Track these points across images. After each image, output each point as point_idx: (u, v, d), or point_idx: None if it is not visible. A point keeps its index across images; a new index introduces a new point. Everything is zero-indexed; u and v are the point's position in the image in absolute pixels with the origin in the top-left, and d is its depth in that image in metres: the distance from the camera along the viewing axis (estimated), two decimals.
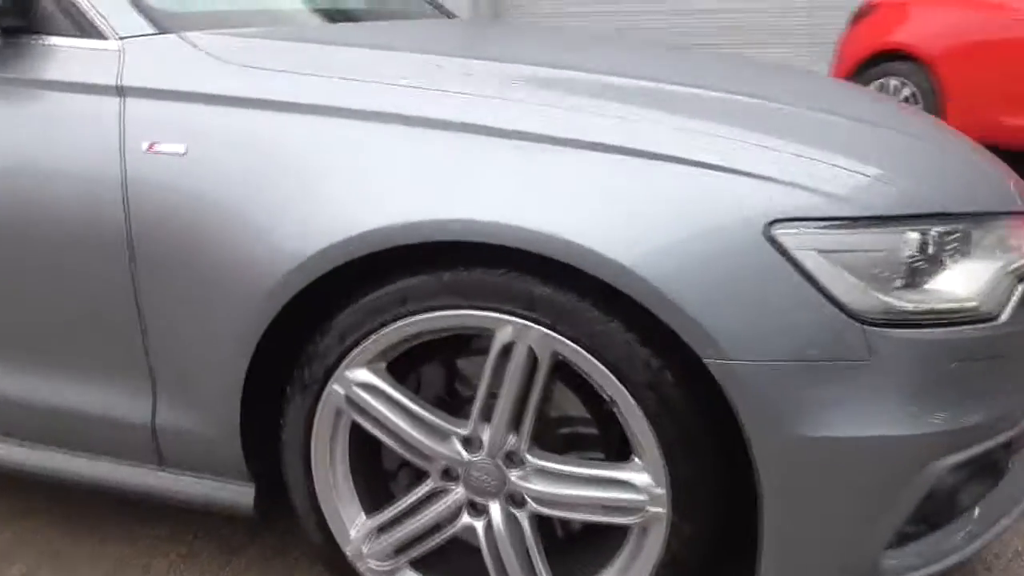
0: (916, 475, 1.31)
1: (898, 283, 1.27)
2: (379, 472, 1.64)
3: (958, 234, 1.32)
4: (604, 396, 1.35)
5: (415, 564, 1.56)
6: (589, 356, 1.31)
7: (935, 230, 1.30)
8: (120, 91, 1.47)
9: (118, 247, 1.48)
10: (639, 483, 1.36)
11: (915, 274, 1.28)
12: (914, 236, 1.28)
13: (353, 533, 1.53)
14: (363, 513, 1.54)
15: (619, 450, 1.47)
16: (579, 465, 1.42)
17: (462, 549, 1.63)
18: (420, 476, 1.59)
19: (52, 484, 1.78)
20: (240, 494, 1.61)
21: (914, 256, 1.28)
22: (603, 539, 1.56)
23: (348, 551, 1.54)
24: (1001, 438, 1.40)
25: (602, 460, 1.45)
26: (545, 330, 1.31)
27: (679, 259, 1.24)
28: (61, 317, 1.56)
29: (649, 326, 1.30)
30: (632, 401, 1.31)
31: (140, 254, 1.47)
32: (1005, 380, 1.38)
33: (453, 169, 1.31)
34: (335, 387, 1.44)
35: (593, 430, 1.51)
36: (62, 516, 1.97)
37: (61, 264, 1.52)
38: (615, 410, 1.36)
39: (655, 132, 1.31)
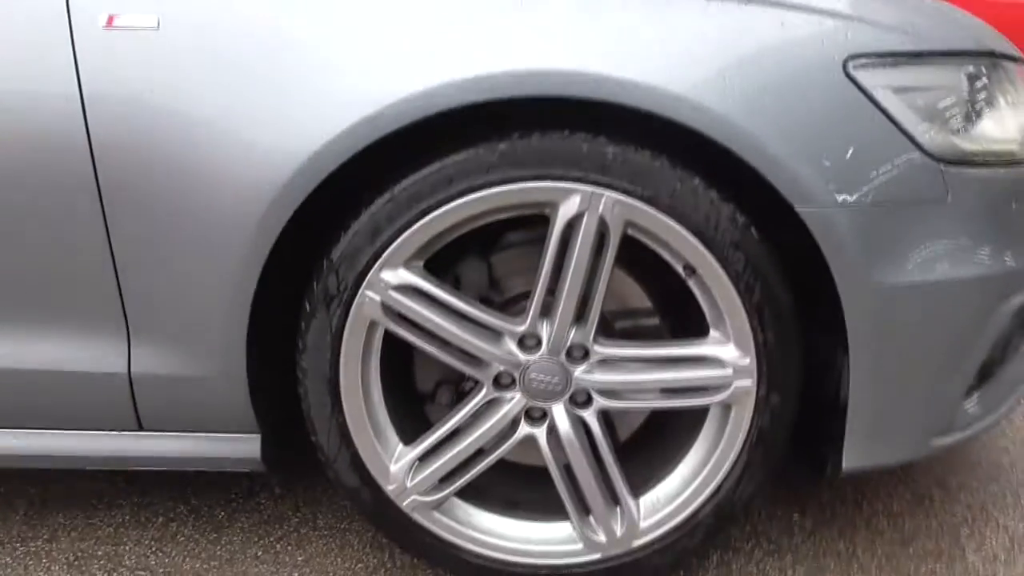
0: (991, 316, 1.29)
1: (957, 123, 1.24)
2: (411, 396, 1.45)
3: (993, 75, 1.31)
4: (678, 268, 1.24)
5: (462, 494, 1.38)
6: (669, 220, 1.19)
7: (984, 67, 1.28)
8: None
9: (75, 159, 1.19)
10: (724, 356, 1.25)
11: (971, 113, 1.26)
12: (969, 72, 1.26)
13: (394, 467, 1.33)
14: (401, 443, 1.34)
15: (680, 333, 1.37)
16: (653, 347, 1.29)
17: (505, 474, 1.48)
18: (461, 395, 1.42)
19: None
20: (243, 446, 1.37)
21: (971, 92, 1.26)
22: (665, 438, 1.46)
23: (390, 488, 1.33)
24: None
25: (671, 340, 1.34)
26: (619, 195, 1.18)
27: (768, 104, 1.14)
28: (8, 256, 1.25)
29: (728, 182, 1.20)
30: (717, 265, 1.20)
31: (104, 165, 1.20)
32: None
33: (512, 15, 1.14)
34: (368, 293, 1.23)
35: (650, 318, 1.41)
36: None
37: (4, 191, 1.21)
38: (691, 282, 1.25)
39: None
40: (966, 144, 1.24)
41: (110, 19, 1.17)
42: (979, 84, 1.27)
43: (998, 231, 1.28)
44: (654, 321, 1.41)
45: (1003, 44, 1.36)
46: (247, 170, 1.18)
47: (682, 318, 1.40)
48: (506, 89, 1.13)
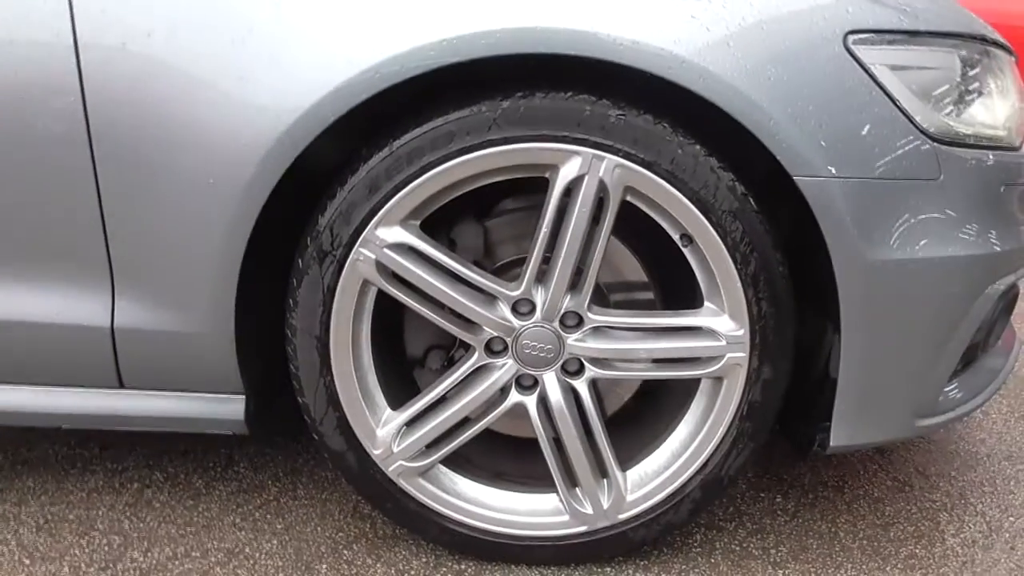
0: (978, 297, 1.30)
1: (951, 105, 1.26)
2: (401, 361, 1.43)
3: (985, 61, 1.33)
4: (675, 237, 1.24)
5: (448, 462, 1.36)
6: (668, 186, 1.19)
7: (976, 53, 1.30)
8: None
9: (68, 107, 1.16)
10: (718, 327, 1.25)
11: (964, 96, 1.28)
12: (963, 55, 1.28)
13: (381, 431, 1.31)
14: (389, 408, 1.32)
15: (675, 307, 1.37)
16: (647, 316, 1.29)
17: (492, 445, 1.47)
18: (451, 362, 1.41)
19: None
20: (227, 407, 1.34)
21: (964, 76, 1.28)
22: (654, 411, 1.45)
23: (376, 452, 1.31)
24: None
25: (664, 311, 1.33)
26: (620, 159, 1.18)
27: (772, 74, 1.15)
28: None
29: (726, 150, 1.20)
30: (714, 233, 1.20)
31: (96, 113, 1.17)
32: None
33: None
34: (363, 251, 1.21)
35: (645, 292, 1.41)
36: None
37: None
38: (687, 251, 1.25)
39: None
40: (959, 126, 1.26)
41: None
42: (972, 69, 1.29)
43: (986, 213, 1.30)
44: (648, 295, 1.41)
45: (993, 33, 1.39)
46: (241, 124, 1.16)
47: (677, 292, 1.41)
48: (510, 46, 1.12)
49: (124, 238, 1.23)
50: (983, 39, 1.32)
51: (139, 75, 1.16)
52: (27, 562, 1.34)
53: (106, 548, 1.38)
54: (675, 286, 1.42)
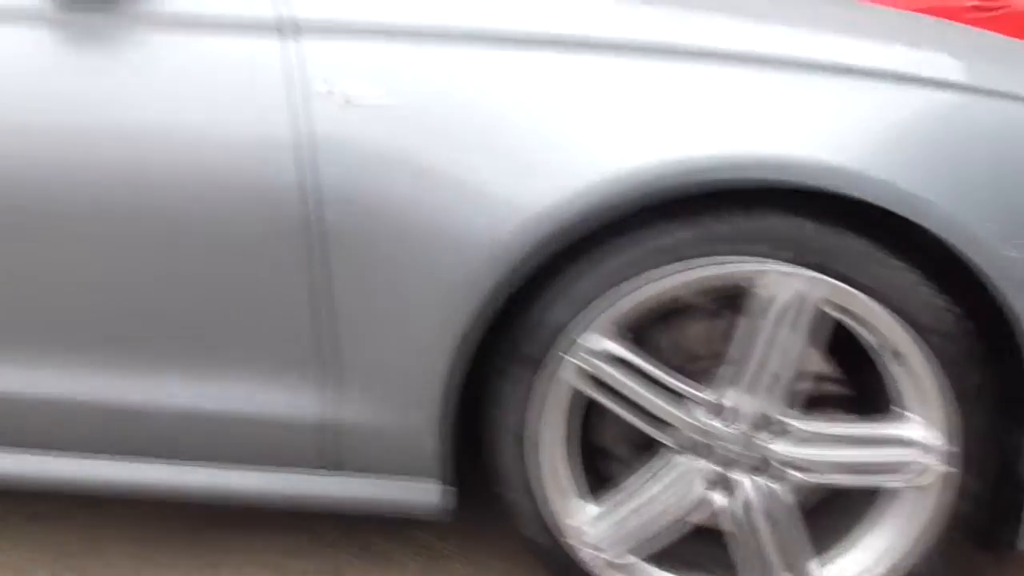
0: None
1: None
2: (595, 453, 1.48)
3: None
4: (883, 354, 1.25)
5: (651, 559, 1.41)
6: (872, 302, 1.20)
7: None
8: (294, 28, 1.26)
9: (300, 225, 1.26)
10: (923, 440, 1.26)
11: None
12: None
13: (577, 522, 1.37)
14: (584, 499, 1.38)
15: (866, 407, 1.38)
16: (850, 426, 1.30)
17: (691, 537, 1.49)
18: (636, 448, 1.45)
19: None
20: (430, 493, 1.42)
21: None
22: (848, 511, 1.45)
23: (573, 542, 1.37)
24: None
25: (862, 419, 1.34)
26: (820, 275, 1.20)
27: (981, 195, 1.16)
28: (219, 308, 1.33)
29: (932, 267, 1.21)
30: (924, 350, 1.21)
31: (330, 229, 1.26)
32: None
33: (736, 102, 1.19)
34: (568, 358, 1.28)
35: (830, 383, 1.42)
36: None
37: (219, 256, 1.30)
38: (882, 361, 1.25)
39: (934, 57, 1.21)
40: None
41: (340, 95, 1.23)
42: None
43: None
44: (835, 388, 1.42)
45: None
46: (462, 232, 1.23)
47: (867, 389, 1.41)
48: (746, 172, 1.17)
49: (352, 331, 1.31)
50: None
51: (379, 166, 1.24)
52: None
53: None
54: (865, 383, 1.42)
